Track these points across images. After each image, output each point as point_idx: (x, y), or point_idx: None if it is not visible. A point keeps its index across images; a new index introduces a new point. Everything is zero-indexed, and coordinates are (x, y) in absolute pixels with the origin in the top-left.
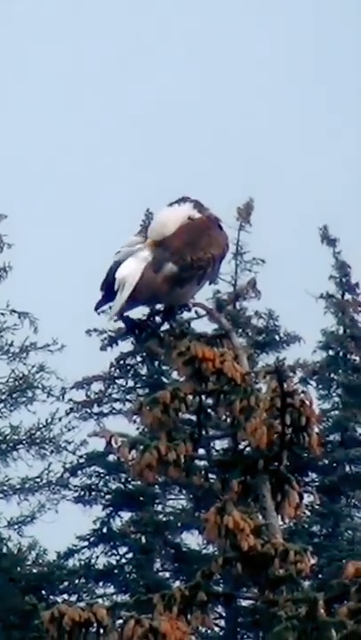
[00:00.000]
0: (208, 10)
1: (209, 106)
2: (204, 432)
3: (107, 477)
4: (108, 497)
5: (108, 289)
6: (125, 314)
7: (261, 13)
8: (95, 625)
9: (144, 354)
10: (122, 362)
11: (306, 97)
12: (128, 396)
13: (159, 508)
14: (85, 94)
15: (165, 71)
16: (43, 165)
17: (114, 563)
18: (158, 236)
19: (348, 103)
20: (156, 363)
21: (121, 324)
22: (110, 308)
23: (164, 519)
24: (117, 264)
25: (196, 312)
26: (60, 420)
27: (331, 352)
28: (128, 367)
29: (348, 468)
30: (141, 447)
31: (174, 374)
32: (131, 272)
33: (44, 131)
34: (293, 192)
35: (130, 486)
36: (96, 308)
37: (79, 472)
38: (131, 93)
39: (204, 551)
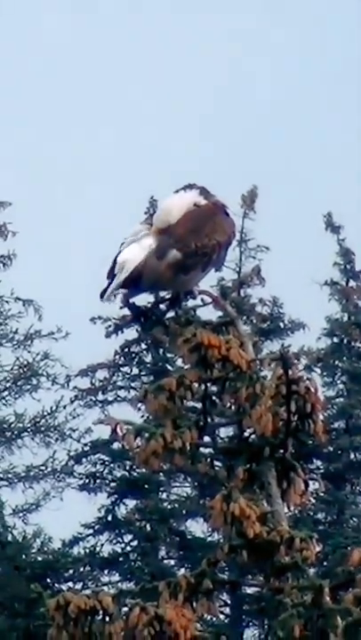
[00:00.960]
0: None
1: (213, 91)
2: (209, 419)
3: (111, 465)
4: (112, 485)
5: (115, 277)
6: (131, 300)
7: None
8: (101, 612)
9: (149, 341)
10: (127, 349)
11: (315, 87)
12: (133, 384)
13: (164, 495)
14: (87, 82)
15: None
16: (47, 153)
17: (119, 550)
18: (163, 224)
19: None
20: (161, 350)
21: (126, 311)
22: (115, 296)
23: (169, 507)
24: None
25: (201, 299)
26: (64, 407)
27: (335, 339)
28: (133, 355)
29: (352, 456)
30: (147, 435)
31: (179, 362)
32: (131, 256)
33: (47, 117)
34: (298, 179)
35: (135, 474)
36: (102, 295)
37: (84, 460)
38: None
39: (209, 539)
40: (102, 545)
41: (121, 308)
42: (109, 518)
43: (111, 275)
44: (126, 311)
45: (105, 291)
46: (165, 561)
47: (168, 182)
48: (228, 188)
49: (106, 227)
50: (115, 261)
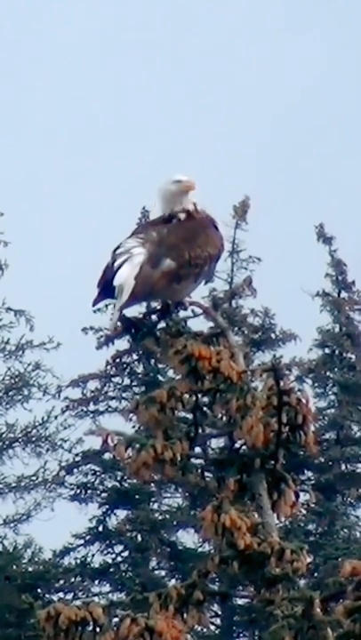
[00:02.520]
0: None
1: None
2: (200, 430)
3: (103, 475)
4: (103, 495)
5: (105, 286)
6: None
7: None
8: (91, 623)
9: (140, 352)
10: (118, 360)
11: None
12: (124, 395)
13: (155, 506)
14: (76, 85)
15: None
16: (38, 164)
17: (110, 561)
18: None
19: None
20: (152, 361)
21: (117, 323)
22: (106, 306)
23: (160, 517)
24: (115, 262)
25: (192, 310)
26: (55, 417)
27: (327, 350)
28: (124, 365)
29: (343, 467)
30: (137, 445)
31: (170, 372)
32: (127, 277)
33: (40, 131)
34: (292, 189)
35: (126, 484)
36: (93, 304)
37: (75, 470)
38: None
39: (200, 549)
40: (93, 555)
41: (112, 319)
42: (100, 529)
43: (101, 283)
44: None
45: (96, 300)
46: (156, 571)
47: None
48: (218, 198)
49: (98, 237)
50: (108, 273)
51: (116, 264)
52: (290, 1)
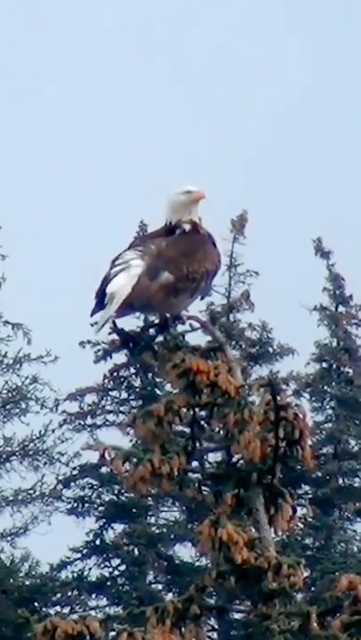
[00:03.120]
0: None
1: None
2: (197, 445)
3: (100, 489)
4: (101, 509)
5: (102, 297)
6: (119, 327)
7: None
8: (88, 637)
9: (138, 366)
10: (115, 374)
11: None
12: (122, 408)
13: (152, 520)
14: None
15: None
16: (36, 177)
17: (107, 575)
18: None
19: None
20: (150, 375)
21: (115, 337)
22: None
23: (157, 531)
24: (111, 274)
25: (190, 324)
26: (53, 431)
27: (324, 364)
28: (122, 379)
29: (341, 481)
30: (135, 460)
31: (168, 386)
32: (120, 287)
33: (35, 143)
34: (285, 204)
35: (123, 498)
36: (91, 315)
37: (72, 484)
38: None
39: (197, 564)
40: (90, 569)
41: (110, 333)
42: (97, 542)
43: (99, 295)
44: (115, 336)
45: (94, 311)
46: (153, 585)
47: (158, 206)
48: (219, 210)
49: (96, 250)
50: (105, 284)
51: (112, 273)
52: (290, 1)
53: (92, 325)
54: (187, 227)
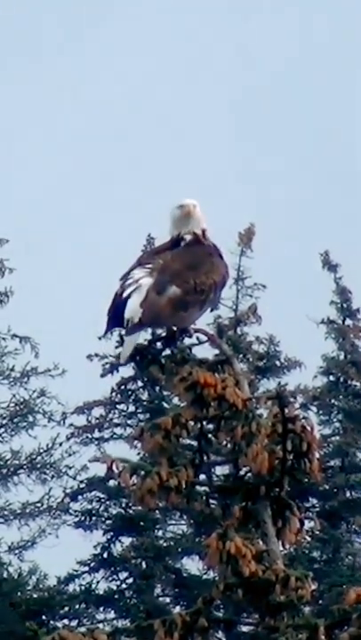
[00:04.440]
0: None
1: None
2: (205, 458)
3: (107, 502)
4: (108, 522)
5: (115, 314)
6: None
7: None
8: None
9: (145, 379)
10: (123, 387)
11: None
12: (129, 421)
13: (160, 533)
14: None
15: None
16: (42, 191)
17: (114, 588)
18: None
19: None
20: (157, 388)
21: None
22: (112, 333)
23: (165, 544)
24: (124, 293)
25: (197, 338)
26: (60, 444)
27: (331, 378)
28: (129, 392)
29: (348, 494)
30: (142, 473)
31: (175, 400)
32: (137, 309)
33: (44, 156)
34: (296, 214)
35: (130, 511)
36: (104, 334)
37: (80, 497)
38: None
39: (205, 577)
40: (98, 582)
41: (117, 347)
42: (105, 556)
43: (111, 312)
44: (122, 349)
45: (107, 329)
46: (161, 598)
47: (166, 220)
48: (227, 220)
49: (104, 264)
50: (117, 300)
51: (125, 295)
52: None
53: (99, 339)
54: (188, 237)
